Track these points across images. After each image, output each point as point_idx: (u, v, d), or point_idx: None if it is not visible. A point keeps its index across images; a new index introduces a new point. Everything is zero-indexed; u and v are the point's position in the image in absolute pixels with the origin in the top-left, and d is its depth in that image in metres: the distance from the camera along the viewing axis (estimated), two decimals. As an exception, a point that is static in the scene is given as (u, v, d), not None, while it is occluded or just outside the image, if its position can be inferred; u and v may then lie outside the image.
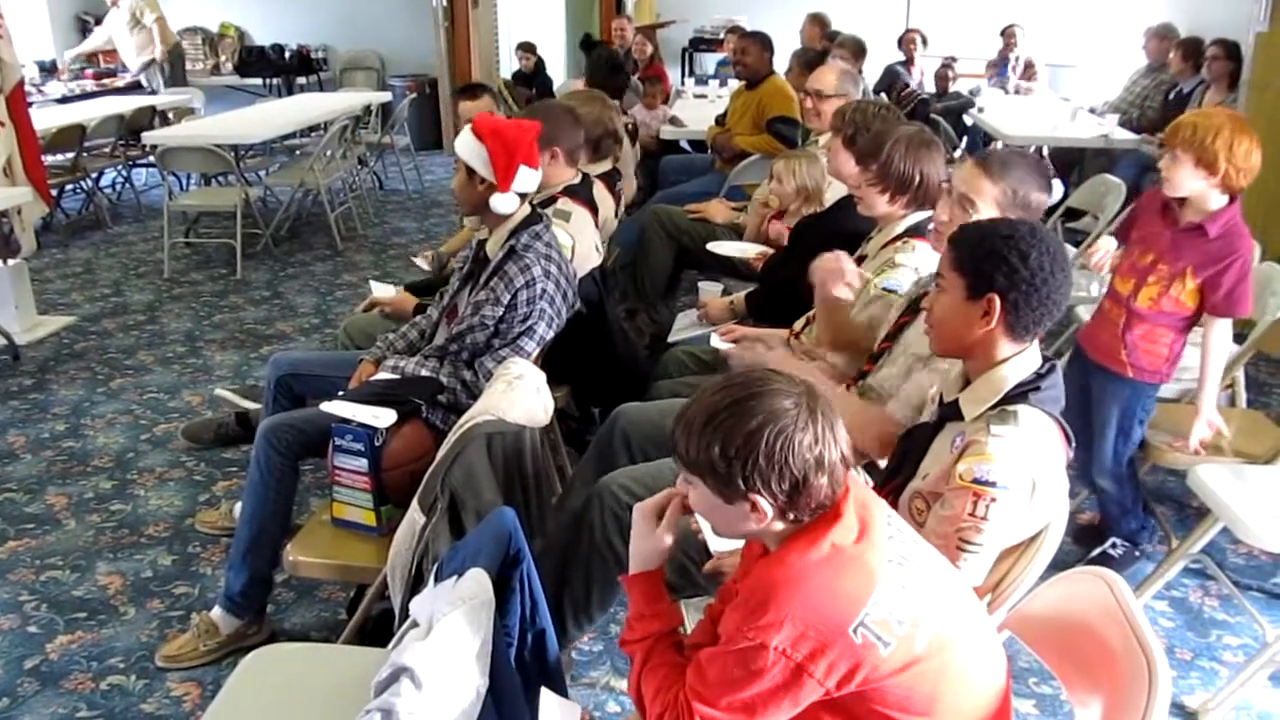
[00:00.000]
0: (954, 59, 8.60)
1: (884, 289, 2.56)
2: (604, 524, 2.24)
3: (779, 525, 1.38)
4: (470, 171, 2.62)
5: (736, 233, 4.23)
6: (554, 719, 1.57)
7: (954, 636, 1.35)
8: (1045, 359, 1.75)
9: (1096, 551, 3.06)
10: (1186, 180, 2.65)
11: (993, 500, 1.62)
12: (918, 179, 2.60)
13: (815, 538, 1.33)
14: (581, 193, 3.29)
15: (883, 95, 7.70)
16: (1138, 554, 3.08)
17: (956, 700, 1.35)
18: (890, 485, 1.86)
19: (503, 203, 2.62)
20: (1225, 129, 2.59)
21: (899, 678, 1.30)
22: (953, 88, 8.36)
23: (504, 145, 2.58)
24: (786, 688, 1.30)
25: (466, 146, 2.62)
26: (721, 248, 3.79)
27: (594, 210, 3.35)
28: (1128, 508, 3.03)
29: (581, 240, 3.10)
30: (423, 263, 3.91)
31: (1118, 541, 3.08)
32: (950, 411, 1.78)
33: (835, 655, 1.28)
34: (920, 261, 2.58)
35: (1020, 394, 1.70)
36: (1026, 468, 1.64)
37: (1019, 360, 1.73)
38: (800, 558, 1.32)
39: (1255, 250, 2.76)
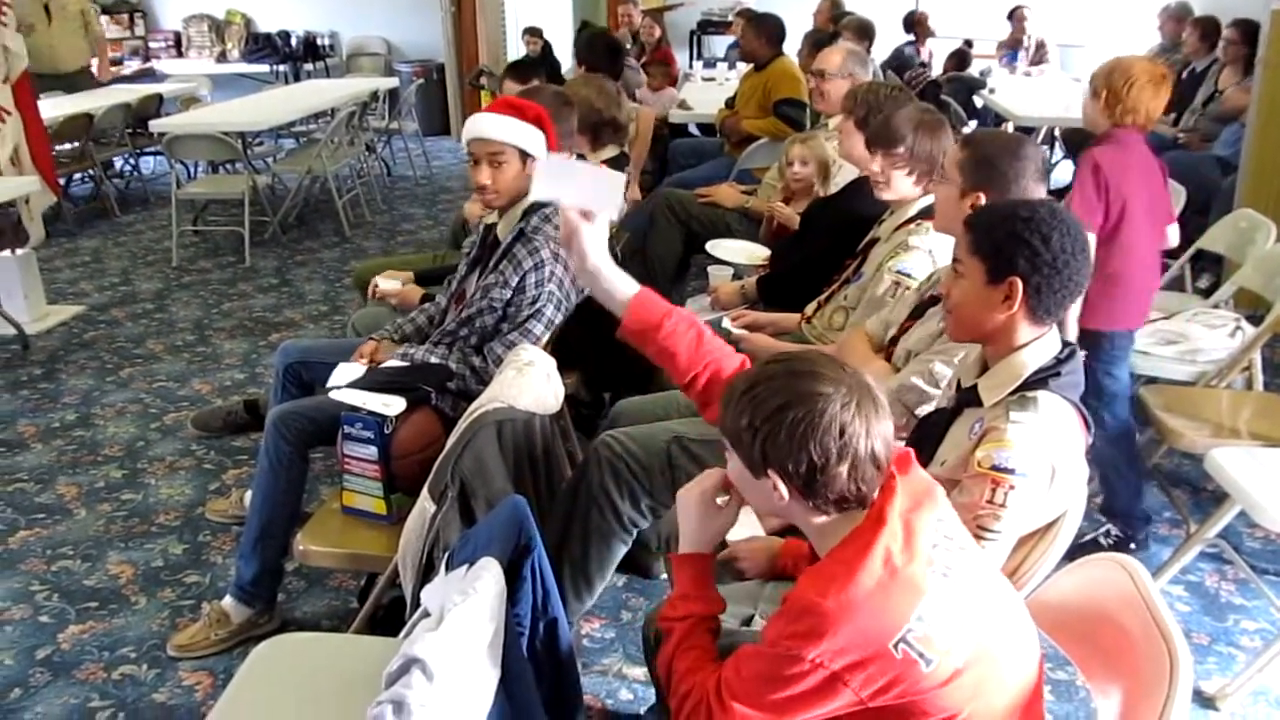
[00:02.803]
0: (971, 41, 8.57)
1: (899, 272, 2.54)
2: (600, 474, 2.27)
3: (814, 518, 1.36)
4: (525, 158, 2.55)
5: (747, 217, 4.20)
6: None
7: (994, 646, 1.32)
8: (1065, 344, 1.73)
9: (1087, 537, 2.99)
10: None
11: (1012, 488, 1.59)
12: (940, 158, 2.59)
13: (865, 548, 1.29)
14: None
15: (893, 76, 7.64)
16: (1132, 546, 3.03)
17: (991, 703, 1.33)
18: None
19: None
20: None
21: (938, 691, 1.28)
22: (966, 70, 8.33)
23: (547, 127, 2.55)
24: (820, 695, 1.28)
25: (520, 132, 2.52)
26: (724, 251, 3.72)
27: None
28: (1133, 485, 3.00)
29: None
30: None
31: (1111, 529, 3.03)
32: (968, 397, 1.75)
33: (874, 669, 1.26)
34: (934, 243, 2.55)
35: (1040, 379, 1.67)
36: (1046, 455, 1.61)
37: (1038, 345, 1.70)
38: (850, 571, 1.28)
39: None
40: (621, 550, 2.35)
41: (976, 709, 1.31)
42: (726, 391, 1.38)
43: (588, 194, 1.69)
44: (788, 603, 1.32)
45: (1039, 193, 2.11)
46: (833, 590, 1.27)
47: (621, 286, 1.74)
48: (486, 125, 2.53)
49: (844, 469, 1.29)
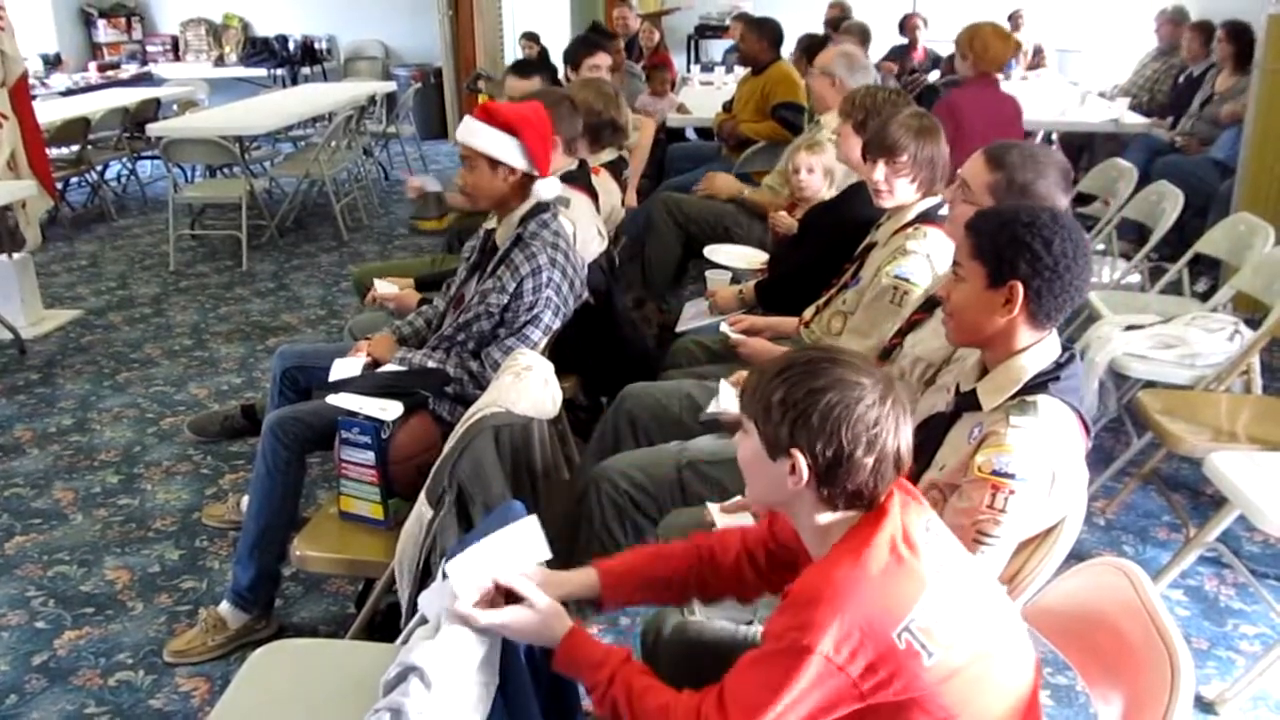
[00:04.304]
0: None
1: (897, 276, 2.53)
2: (602, 512, 2.26)
3: (820, 513, 1.35)
4: (494, 164, 2.56)
5: (744, 211, 4.20)
6: None
7: (991, 649, 1.32)
8: (1065, 348, 1.72)
9: None
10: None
11: (1011, 492, 1.59)
12: (942, 163, 2.59)
13: (870, 536, 1.30)
14: (579, 178, 3.27)
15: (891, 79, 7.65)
16: None
17: (988, 707, 1.32)
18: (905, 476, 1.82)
19: (547, 187, 2.59)
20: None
21: (936, 690, 1.27)
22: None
23: (536, 130, 2.55)
24: (820, 683, 1.26)
25: (486, 138, 2.55)
26: (723, 256, 3.72)
27: (593, 195, 3.33)
28: None
29: (582, 226, 3.07)
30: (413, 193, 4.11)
31: None
32: (967, 401, 1.75)
33: (874, 656, 1.25)
34: (932, 248, 2.54)
35: (1040, 384, 1.66)
36: (1046, 459, 1.60)
37: (1038, 349, 1.70)
38: (856, 557, 1.28)
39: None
40: None
41: (973, 712, 1.31)
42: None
43: (514, 562, 1.58)
44: (790, 595, 1.32)
45: (1063, 203, 2.07)
46: (837, 574, 1.27)
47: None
48: (461, 129, 2.61)
49: (870, 460, 1.30)
